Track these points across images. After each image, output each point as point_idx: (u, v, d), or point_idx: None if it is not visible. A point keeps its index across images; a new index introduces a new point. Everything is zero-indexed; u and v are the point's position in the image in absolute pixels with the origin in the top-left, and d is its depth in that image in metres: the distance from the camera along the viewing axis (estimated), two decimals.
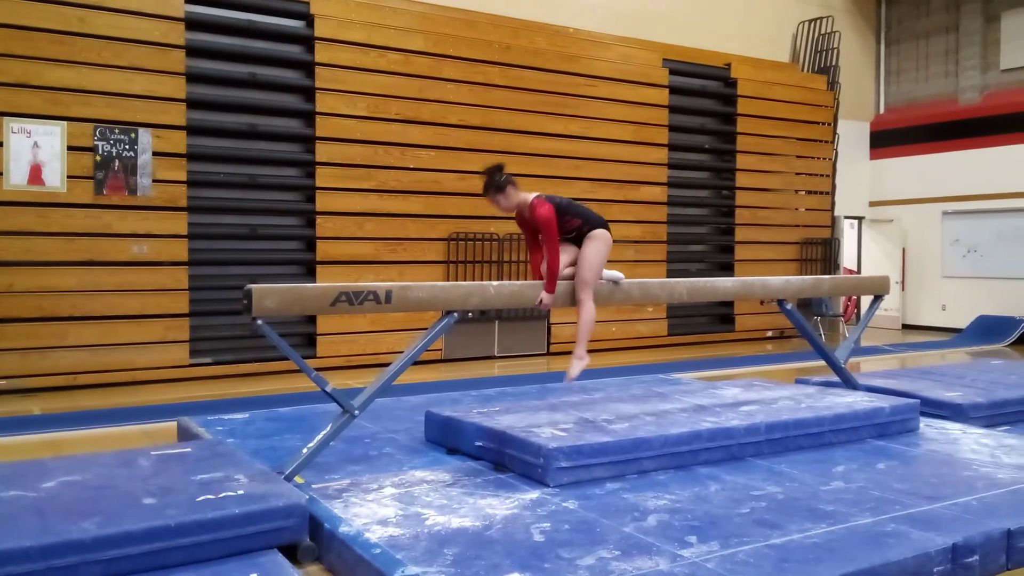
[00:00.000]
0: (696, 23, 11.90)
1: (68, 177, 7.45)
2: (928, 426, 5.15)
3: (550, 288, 4.44)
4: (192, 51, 8.04)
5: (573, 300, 4.57)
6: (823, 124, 12.75)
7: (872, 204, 14.33)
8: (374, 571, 2.86)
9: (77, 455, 4.17)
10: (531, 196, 4.55)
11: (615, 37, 10.87)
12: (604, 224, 4.64)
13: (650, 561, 2.90)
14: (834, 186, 13.01)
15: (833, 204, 13.04)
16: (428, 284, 4.20)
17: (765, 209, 12.17)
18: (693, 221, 11.78)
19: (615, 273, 4.68)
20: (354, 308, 3.85)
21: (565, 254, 4.61)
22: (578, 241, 4.62)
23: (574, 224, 4.58)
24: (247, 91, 8.44)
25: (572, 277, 4.58)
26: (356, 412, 3.96)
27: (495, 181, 4.50)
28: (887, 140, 14.22)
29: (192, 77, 8.03)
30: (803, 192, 12.69)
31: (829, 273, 12.54)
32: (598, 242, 4.56)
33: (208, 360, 8.13)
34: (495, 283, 4.40)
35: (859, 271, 13.97)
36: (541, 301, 4.45)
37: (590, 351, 4.73)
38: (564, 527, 3.25)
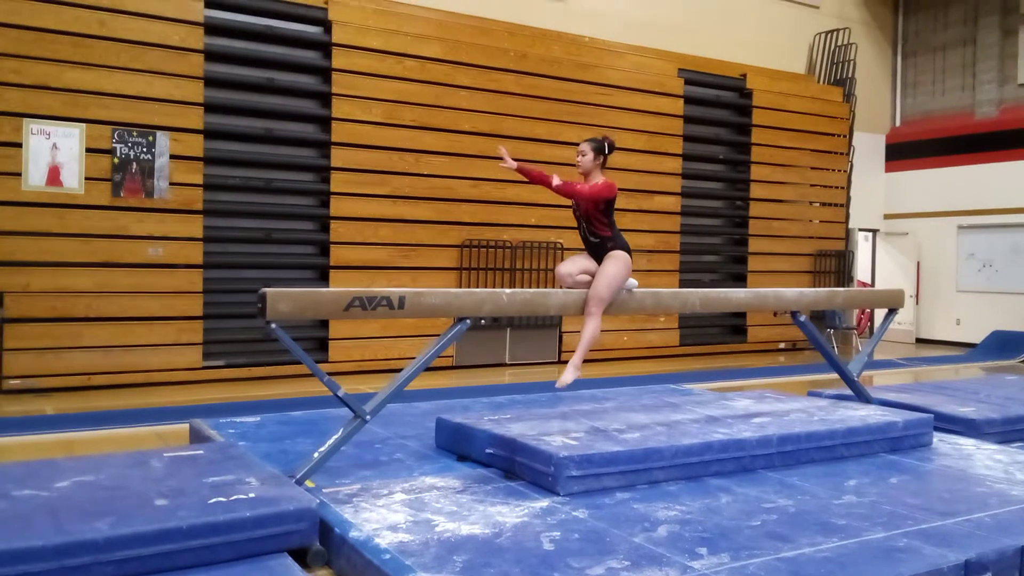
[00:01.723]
0: (712, 33, 11.90)
1: (86, 179, 7.51)
2: (941, 441, 5.12)
3: (561, 186, 4.50)
4: (210, 55, 8.10)
5: (581, 309, 4.56)
6: (838, 136, 12.72)
7: (887, 217, 14.27)
8: None
9: (90, 455, 4.19)
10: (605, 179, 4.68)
11: (630, 46, 10.89)
12: (629, 250, 4.65)
13: (660, 572, 2.89)
14: (849, 198, 12.96)
15: (848, 216, 12.99)
16: (441, 290, 4.21)
17: (779, 220, 12.14)
18: (706, 231, 11.76)
19: (629, 281, 4.68)
20: (367, 313, 3.86)
21: (580, 260, 4.64)
22: (595, 251, 4.63)
23: (603, 232, 4.59)
24: (264, 96, 8.49)
25: (585, 285, 4.58)
26: (367, 417, 3.97)
27: (602, 145, 4.66)
28: (903, 153, 14.16)
29: (210, 81, 8.08)
30: (818, 204, 12.65)
31: (843, 285, 12.48)
32: (621, 264, 4.57)
33: (221, 363, 8.17)
34: (508, 291, 4.40)
35: (873, 284, 13.90)
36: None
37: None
38: (574, 536, 3.24)
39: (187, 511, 3.08)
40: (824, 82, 13.07)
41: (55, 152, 7.36)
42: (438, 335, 4.26)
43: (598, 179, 4.62)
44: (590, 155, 4.63)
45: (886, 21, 14.30)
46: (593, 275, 4.60)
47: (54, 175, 7.38)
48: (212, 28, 8.11)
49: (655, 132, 10.85)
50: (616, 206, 4.66)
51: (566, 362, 9.66)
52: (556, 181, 4.51)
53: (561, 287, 4.71)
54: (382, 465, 4.30)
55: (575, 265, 4.65)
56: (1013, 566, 3.17)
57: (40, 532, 2.83)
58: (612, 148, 4.69)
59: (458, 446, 4.53)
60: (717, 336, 11.80)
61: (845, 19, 13.36)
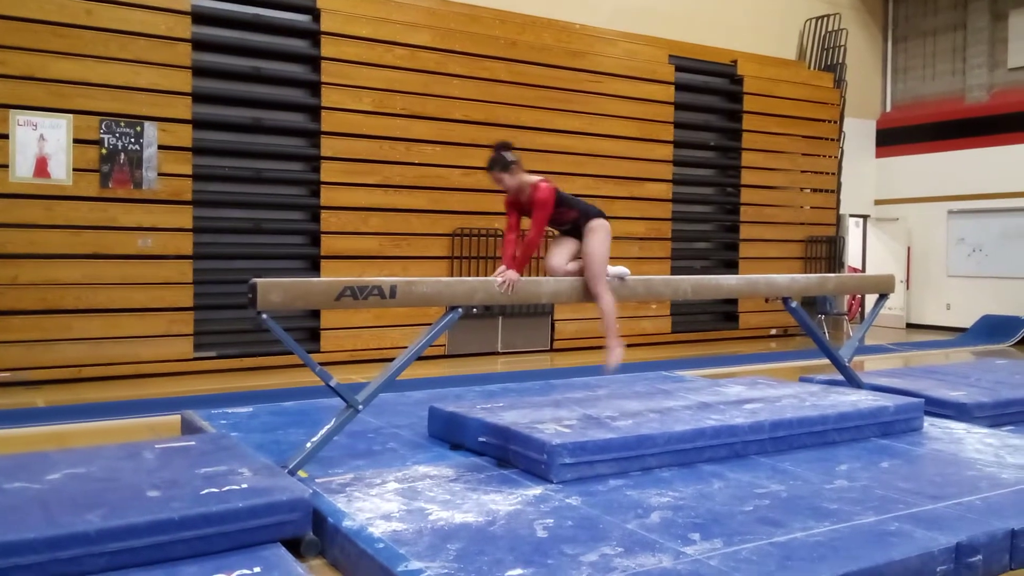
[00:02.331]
0: (702, 20, 11.87)
1: (74, 170, 7.46)
2: (932, 425, 5.14)
3: (519, 267, 4.35)
4: (198, 45, 8.03)
5: (586, 296, 4.53)
6: (829, 122, 12.72)
7: (878, 202, 14.30)
8: (377, 566, 2.87)
9: (81, 448, 4.17)
10: (535, 179, 4.44)
11: (621, 33, 10.85)
12: (602, 214, 4.59)
13: (653, 558, 2.90)
14: (839, 184, 12.98)
15: (838, 202, 13.01)
16: (433, 279, 4.20)
17: (770, 207, 12.15)
18: (698, 218, 11.76)
19: (621, 269, 4.67)
20: (359, 303, 3.85)
21: (565, 247, 4.61)
22: (575, 233, 4.60)
23: (570, 216, 4.54)
24: (253, 85, 8.43)
25: (579, 272, 4.57)
26: (360, 407, 3.96)
27: (502, 159, 4.39)
28: (893, 138, 14.18)
29: (198, 71, 8.02)
30: (808, 190, 12.66)
31: (834, 271, 12.51)
32: (600, 232, 4.53)
33: (212, 354, 8.14)
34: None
35: (864, 270, 13.94)
36: (505, 282, 4.24)
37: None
38: (567, 523, 3.25)
39: (180, 502, 3.07)
40: (814, 68, 13.06)
41: (42, 143, 7.30)
42: (430, 324, 4.25)
43: (527, 181, 4.41)
44: (505, 176, 4.39)
45: (876, 6, 14.29)
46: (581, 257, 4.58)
47: (41, 166, 7.32)
48: (199, 17, 8.04)
49: (646, 119, 10.83)
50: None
51: (558, 350, 9.76)
52: (513, 272, 4.30)
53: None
54: (375, 454, 4.30)
55: (562, 256, 4.62)
56: (1003, 549, 3.19)
57: (32, 524, 2.82)
58: (509, 147, 4.44)
59: (451, 435, 4.53)
60: (709, 323, 11.82)
61: (835, 5, 13.34)
